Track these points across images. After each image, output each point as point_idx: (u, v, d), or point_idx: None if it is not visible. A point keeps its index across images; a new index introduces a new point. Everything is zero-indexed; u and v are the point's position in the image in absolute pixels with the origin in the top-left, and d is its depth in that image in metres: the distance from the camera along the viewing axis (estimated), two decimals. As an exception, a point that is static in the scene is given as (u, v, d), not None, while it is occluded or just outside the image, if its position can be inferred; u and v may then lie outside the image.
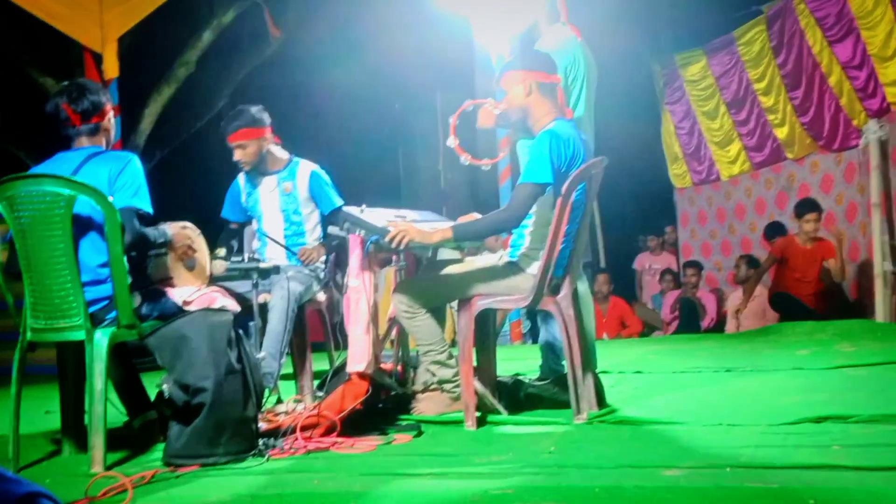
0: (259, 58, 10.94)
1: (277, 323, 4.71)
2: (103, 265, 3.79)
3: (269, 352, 4.64)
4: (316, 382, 5.03)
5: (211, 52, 10.41)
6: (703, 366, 5.79)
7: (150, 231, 3.92)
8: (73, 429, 4.12)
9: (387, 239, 4.08)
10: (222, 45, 10.54)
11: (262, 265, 4.70)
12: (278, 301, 4.74)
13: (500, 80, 4.39)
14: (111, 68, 7.82)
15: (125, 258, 3.74)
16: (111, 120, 4.12)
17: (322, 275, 5.21)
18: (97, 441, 3.67)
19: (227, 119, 5.19)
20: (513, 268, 4.25)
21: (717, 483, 2.87)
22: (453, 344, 4.59)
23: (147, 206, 3.85)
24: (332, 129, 12.33)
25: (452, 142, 4.75)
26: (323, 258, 5.21)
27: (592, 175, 4.24)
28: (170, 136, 10.77)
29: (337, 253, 5.36)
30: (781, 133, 10.02)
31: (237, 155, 5.17)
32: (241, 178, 5.35)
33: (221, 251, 4.90)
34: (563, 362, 4.85)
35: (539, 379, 4.81)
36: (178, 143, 11.02)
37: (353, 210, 4.32)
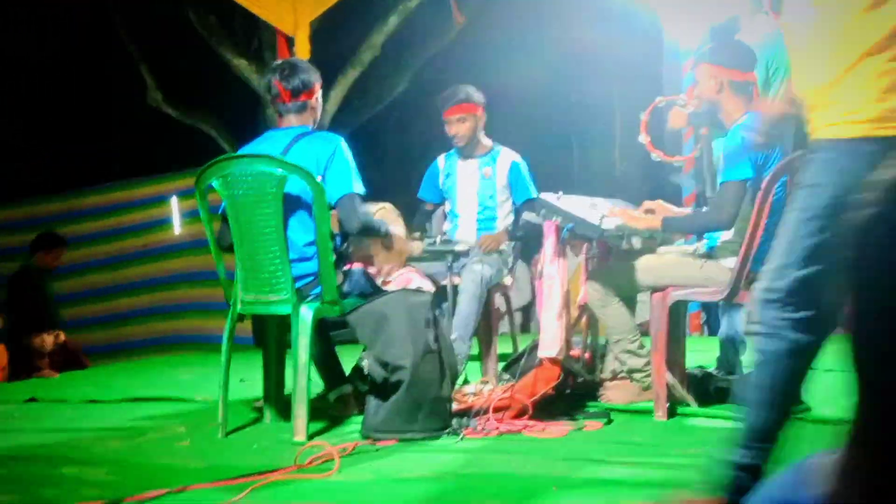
0: (441, 44, 11.06)
1: (467, 305, 4.79)
2: (309, 243, 3.94)
3: (459, 334, 4.72)
4: (500, 365, 5.10)
5: (395, 36, 10.58)
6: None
7: (375, 220, 4.05)
8: (275, 398, 4.30)
9: (610, 211, 4.16)
10: (406, 30, 10.69)
11: (457, 248, 4.79)
12: (469, 284, 4.81)
13: (694, 68, 4.33)
14: (303, 51, 8.03)
15: (331, 237, 3.88)
16: (319, 99, 4.25)
17: (510, 260, 5.26)
18: (300, 411, 3.82)
19: (447, 93, 5.22)
20: (708, 259, 4.20)
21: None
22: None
23: (362, 188, 3.99)
24: (506, 118, 12.33)
25: (644, 139, 4.72)
26: (504, 245, 5.24)
27: (794, 168, 4.15)
28: (351, 120, 11.03)
29: (524, 241, 5.41)
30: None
31: (453, 129, 5.21)
32: (440, 161, 5.43)
33: (417, 234, 4.99)
34: (742, 357, 4.80)
35: (717, 372, 4.76)
36: (358, 126, 11.27)
37: (549, 197, 4.35)
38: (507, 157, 5.29)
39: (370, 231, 4.05)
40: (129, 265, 9.71)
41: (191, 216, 9.31)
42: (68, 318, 8.77)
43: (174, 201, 9.80)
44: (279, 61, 4.32)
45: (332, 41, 9.69)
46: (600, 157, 12.50)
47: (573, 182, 12.47)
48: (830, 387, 4.94)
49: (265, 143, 4.13)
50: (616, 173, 12.37)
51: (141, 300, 9.67)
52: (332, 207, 3.92)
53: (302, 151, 3.99)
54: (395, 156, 12.65)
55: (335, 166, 3.95)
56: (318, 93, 4.22)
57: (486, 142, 5.33)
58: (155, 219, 9.64)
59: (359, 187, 3.97)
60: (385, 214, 4.32)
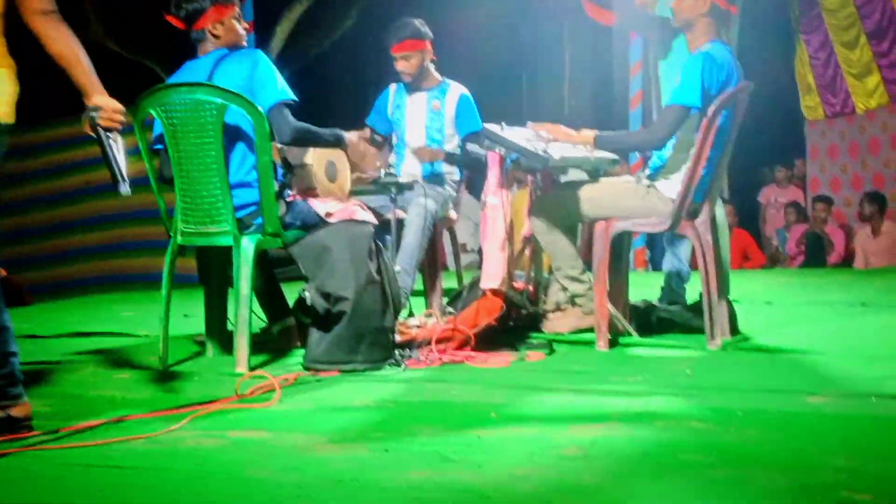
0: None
1: (413, 238, 4.76)
2: (250, 171, 3.89)
3: (403, 267, 4.69)
4: (444, 300, 5.10)
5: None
6: (836, 300, 5.68)
7: (310, 127, 3.98)
8: (217, 331, 4.27)
9: (533, 127, 4.11)
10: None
11: (400, 180, 4.76)
12: (415, 217, 4.78)
13: None
14: (248, -17, 7.90)
15: (272, 166, 3.83)
16: (224, 24, 4.02)
17: (455, 194, 5.23)
18: (242, 342, 3.80)
19: (392, 30, 5.15)
20: (651, 190, 4.21)
21: (864, 412, 2.83)
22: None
23: (291, 94, 3.92)
24: (456, 54, 12.22)
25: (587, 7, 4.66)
26: (456, 172, 5.19)
27: (739, 100, 4.15)
28: (299, 56, 10.86)
29: (470, 174, 5.38)
30: (925, 65, 9.64)
31: (400, 66, 5.15)
32: (391, 89, 5.36)
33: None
34: (686, 286, 4.85)
35: (661, 303, 4.81)
36: (306, 62, 11.11)
37: (493, 128, 4.33)
38: (457, 90, 5.23)
39: (307, 139, 3.98)
40: (71, 203, 9.56)
41: (133, 154, 9.15)
42: (10, 257, 8.64)
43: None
44: None
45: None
46: (550, 94, 12.48)
47: (523, 119, 12.43)
48: (767, 318, 5.05)
49: (186, 73, 4.06)
50: (566, 110, 12.36)
51: (83, 238, 9.54)
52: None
53: (225, 73, 3.92)
54: (346, 92, 12.49)
55: (259, 77, 3.88)
56: (221, 17, 4.01)
57: (436, 75, 5.27)
58: (96, 156, 9.46)
59: (285, 93, 3.90)
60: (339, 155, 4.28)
